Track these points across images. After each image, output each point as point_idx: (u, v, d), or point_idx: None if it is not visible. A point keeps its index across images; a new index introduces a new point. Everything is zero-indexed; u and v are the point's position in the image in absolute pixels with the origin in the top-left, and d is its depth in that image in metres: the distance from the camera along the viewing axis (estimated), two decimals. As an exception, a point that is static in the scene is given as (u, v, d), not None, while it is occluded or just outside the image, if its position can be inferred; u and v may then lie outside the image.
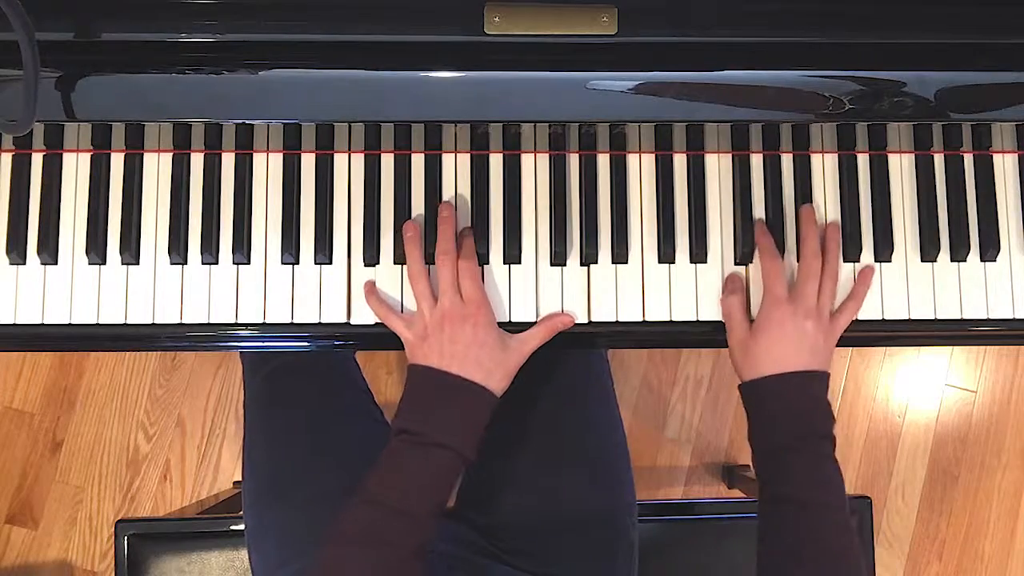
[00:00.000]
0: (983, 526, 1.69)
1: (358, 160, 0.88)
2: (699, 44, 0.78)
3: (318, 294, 0.86)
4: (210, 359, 1.69)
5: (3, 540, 1.67)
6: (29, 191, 0.86)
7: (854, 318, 0.85)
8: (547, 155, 0.88)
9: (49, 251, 0.86)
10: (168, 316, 0.86)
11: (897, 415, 1.71)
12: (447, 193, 0.88)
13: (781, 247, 0.87)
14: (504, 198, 0.87)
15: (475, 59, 0.77)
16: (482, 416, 0.79)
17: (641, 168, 0.88)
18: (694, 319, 0.87)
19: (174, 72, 0.76)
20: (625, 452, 1.01)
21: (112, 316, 0.86)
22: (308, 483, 0.96)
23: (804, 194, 0.88)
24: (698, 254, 0.87)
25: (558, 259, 0.87)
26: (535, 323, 0.85)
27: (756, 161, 0.89)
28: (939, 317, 0.87)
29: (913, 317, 0.87)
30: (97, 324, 0.86)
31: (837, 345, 0.84)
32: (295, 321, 0.86)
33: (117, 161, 0.87)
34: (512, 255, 0.87)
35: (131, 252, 0.86)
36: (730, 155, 0.89)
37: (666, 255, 0.87)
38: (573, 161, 0.88)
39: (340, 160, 0.88)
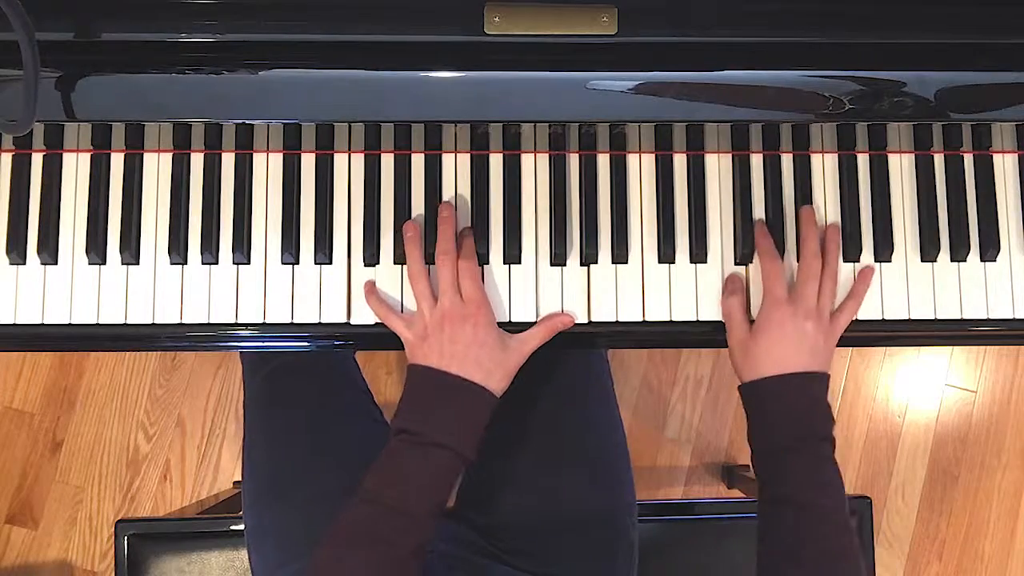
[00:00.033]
0: (983, 526, 1.69)
1: (358, 160, 0.88)
2: (699, 44, 0.78)
3: (318, 294, 0.86)
4: (210, 359, 1.69)
5: (3, 540, 1.66)
6: (29, 191, 0.86)
7: (854, 318, 0.85)
8: (547, 155, 0.88)
9: (49, 251, 0.86)
10: (168, 316, 0.86)
11: (897, 415, 1.71)
12: (447, 193, 0.88)
13: (781, 247, 0.87)
14: (504, 198, 0.87)
15: (475, 59, 0.77)
16: (482, 416, 0.79)
17: (641, 168, 0.88)
18: (694, 319, 0.87)
19: (174, 72, 0.76)
20: (625, 452, 1.01)
21: (112, 316, 0.86)
22: (308, 483, 0.96)
23: (804, 194, 0.88)
24: (698, 254, 0.87)
25: (558, 259, 0.87)
26: (535, 323, 0.85)
27: (756, 161, 0.89)
28: (939, 317, 0.87)
29: (913, 317, 0.87)
30: (97, 324, 0.86)
31: (837, 345, 0.84)
32: (295, 321, 0.86)
33: (117, 161, 0.87)
34: (512, 255, 0.87)
35: (131, 252, 0.86)
36: (730, 155, 0.89)
37: (666, 255, 0.87)
38: (573, 161, 0.88)
39: (340, 160, 0.88)
